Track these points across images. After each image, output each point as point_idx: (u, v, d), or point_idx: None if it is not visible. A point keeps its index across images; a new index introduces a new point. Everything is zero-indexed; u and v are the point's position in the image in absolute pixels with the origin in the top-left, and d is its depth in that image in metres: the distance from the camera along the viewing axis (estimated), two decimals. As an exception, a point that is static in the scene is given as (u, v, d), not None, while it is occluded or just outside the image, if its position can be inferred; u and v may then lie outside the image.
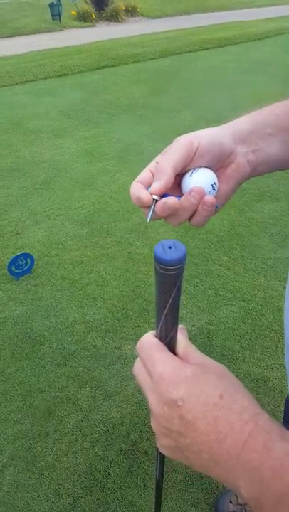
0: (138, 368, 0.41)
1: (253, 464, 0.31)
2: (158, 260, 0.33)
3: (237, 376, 1.86)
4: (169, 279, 0.34)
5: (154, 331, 0.41)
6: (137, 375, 0.41)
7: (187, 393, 0.35)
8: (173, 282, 0.34)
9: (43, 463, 1.48)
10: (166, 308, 0.36)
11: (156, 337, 0.41)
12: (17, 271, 2.32)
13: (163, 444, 0.39)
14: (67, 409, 1.65)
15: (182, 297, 2.14)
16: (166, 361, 0.38)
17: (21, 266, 2.32)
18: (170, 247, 0.33)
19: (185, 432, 0.35)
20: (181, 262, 0.33)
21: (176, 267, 0.33)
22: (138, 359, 0.41)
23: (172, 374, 0.37)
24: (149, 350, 0.40)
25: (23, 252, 2.33)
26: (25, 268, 2.34)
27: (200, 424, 0.34)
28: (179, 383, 0.36)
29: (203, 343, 1.87)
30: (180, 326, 0.41)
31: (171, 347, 0.40)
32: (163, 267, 0.33)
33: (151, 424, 0.40)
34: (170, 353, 0.40)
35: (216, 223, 2.75)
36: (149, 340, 0.41)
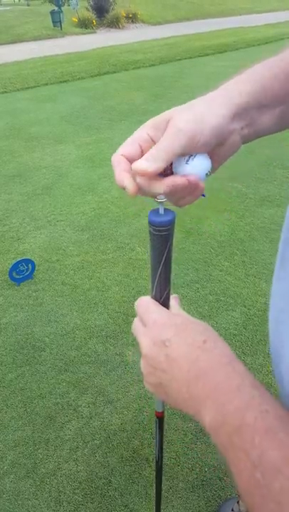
0: (135, 323, 0.46)
1: (221, 400, 0.34)
2: (151, 223, 0.38)
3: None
4: (161, 239, 0.39)
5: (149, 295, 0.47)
6: (134, 328, 0.46)
7: (175, 336, 0.40)
8: (165, 242, 0.39)
9: (43, 470, 1.48)
10: (160, 268, 0.41)
11: (152, 298, 0.46)
12: (18, 276, 2.32)
13: (148, 382, 0.43)
14: (67, 415, 1.64)
15: (183, 302, 2.14)
16: (160, 311, 0.44)
17: (22, 271, 2.33)
18: (161, 213, 0.39)
19: (168, 369, 0.39)
20: (170, 224, 0.38)
21: (166, 228, 0.38)
22: (136, 317, 0.47)
23: (164, 320, 0.42)
24: (146, 305, 0.45)
25: (24, 258, 2.34)
26: (27, 274, 2.35)
27: (183, 362, 0.38)
28: (169, 327, 0.41)
29: (205, 348, 1.87)
30: (174, 295, 0.47)
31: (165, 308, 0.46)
32: (156, 228, 0.38)
33: (141, 364, 0.44)
34: (164, 307, 0.45)
35: (216, 228, 2.75)
36: (145, 299, 0.47)
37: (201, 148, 0.39)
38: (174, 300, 0.48)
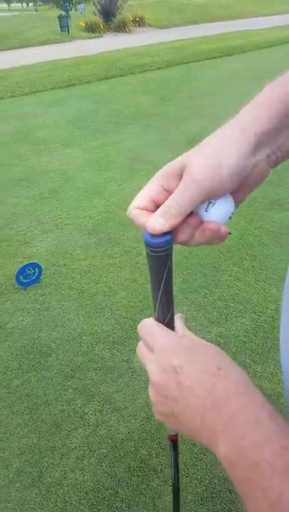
0: (140, 347, 0.43)
1: (238, 433, 0.32)
2: (147, 244, 0.36)
3: (249, 391, 1.76)
4: (159, 260, 0.37)
5: (152, 317, 0.44)
6: (139, 353, 0.43)
7: (186, 361, 0.37)
8: (163, 263, 0.37)
9: (49, 479, 1.45)
10: (161, 290, 0.40)
11: (155, 320, 0.43)
12: (25, 280, 2.31)
13: (158, 411, 0.41)
14: (74, 423, 1.62)
15: (191, 308, 2.11)
16: (167, 334, 0.41)
17: (29, 275, 2.31)
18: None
19: (181, 398, 0.37)
20: (167, 244, 0.36)
21: (163, 249, 0.36)
22: (140, 341, 0.44)
23: (172, 344, 0.39)
24: (150, 327, 0.42)
25: (31, 262, 2.33)
26: (33, 278, 2.33)
27: (197, 390, 0.36)
28: (179, 352, 0.38)
29: (213, 355, 1.84)
30: (178, 315, 0.45)
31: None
32: (152, 249, 0.36)
33: (149, 392, 0.41)
34: (170, 329, 0.42)
35: (225, 232, 2.72)
36: (149, 321, 0.44)
37: (221, 192, 0.37)
38: (178, 320, 0.45)
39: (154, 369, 0.39)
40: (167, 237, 0.36)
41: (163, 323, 0.42)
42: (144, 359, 0.42)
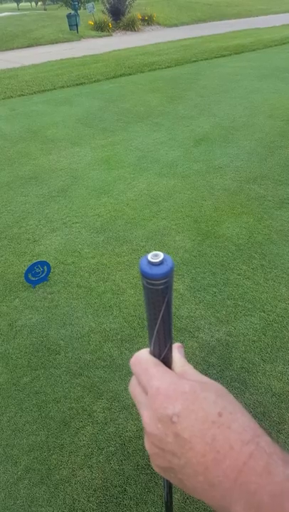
0: (133, 385, 0.39)
1: (251, 488, 0.29)
2: (144, 274, 0.32)
3: (257, 390, 1.76)
4: (157, 294, 0.33)
5: (148, 349, 0.39)
6: (132, 392, 0.39)
7: (184, 409, 0.34)
8: (161, 297, 0.33)
9: (58, 476, 1.45)
10: (157, 325, 0.35)
11: (151, 354, 0.39)
12: (34, 278, 2.32)
13: (156, 464, 0.37)
14: (82, 421, 1.62)
15: (200, 307, 2.10)
16: (163, 376, 0.37)
17: (38, 273, 2.32)
18: (157, 260, 0.32)
19: (179, 452, 0.33)
20: (167, 276, 0.32)
21: (162, 281, 0.32)
22: (133, 376, 0.40)
23: (169, 389, 0.35)
24: (145, 365, 0.38)
25: (39, 260, 2.33)
26: (42, 276, 2.34)
27: (196, 443, 0.32)
28: (176, 398, 0.34)
29: (222, 355, 1.82)
30: (177, 344, 0.41)
31: (167, 365, 0.39)
32: (149, 281, 0.32)
33: (145, 443, 0.38)
34: (167, 368, 0.38)
35: (234, 231, 2.70)
36: (144, 356, 0.39)
37: None
38: (177, 351, 0.41)
39: (148, 417, 0.36)
40: (167, 267, 0.32)
41: (159, 358, 0.38)
42: (137, 401, 0.38)
